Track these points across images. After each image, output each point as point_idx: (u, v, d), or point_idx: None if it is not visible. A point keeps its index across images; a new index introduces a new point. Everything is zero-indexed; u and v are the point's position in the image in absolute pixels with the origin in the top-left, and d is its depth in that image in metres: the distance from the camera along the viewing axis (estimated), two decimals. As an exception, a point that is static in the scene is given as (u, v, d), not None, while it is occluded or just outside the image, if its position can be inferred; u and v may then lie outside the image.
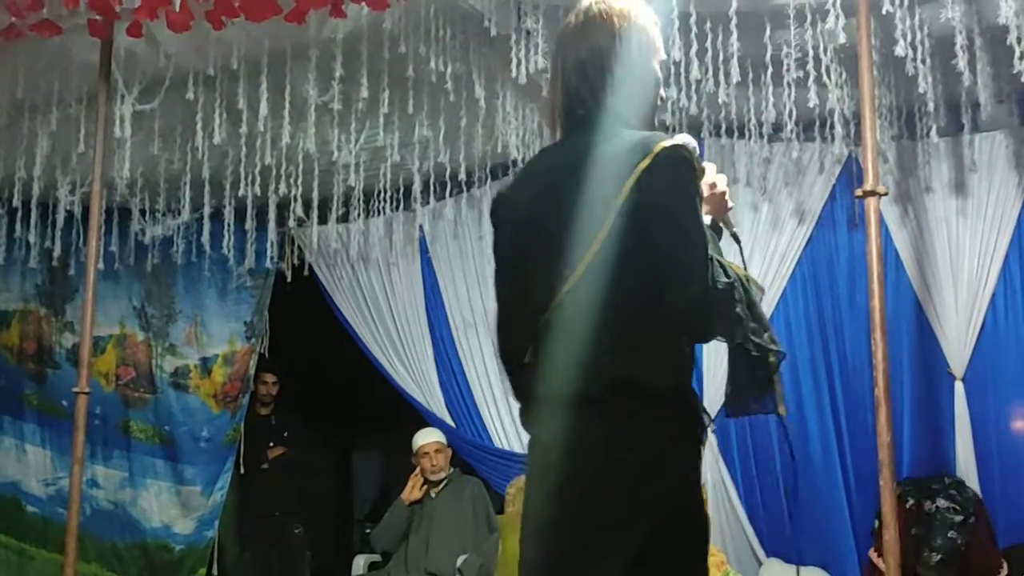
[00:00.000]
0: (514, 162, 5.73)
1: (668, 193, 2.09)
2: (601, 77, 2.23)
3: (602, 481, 2.07)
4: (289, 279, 6.69)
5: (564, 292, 2.13)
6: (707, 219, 2.31)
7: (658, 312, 2.10)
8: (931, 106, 4.71)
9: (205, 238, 5.95)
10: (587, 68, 2.24)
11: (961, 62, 3.94)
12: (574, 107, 2.26)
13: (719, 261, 2.19)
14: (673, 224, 2.08)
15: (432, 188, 6.24)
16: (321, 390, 7.39)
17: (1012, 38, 3.65)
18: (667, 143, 2.10)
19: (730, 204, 2.45)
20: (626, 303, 2.10)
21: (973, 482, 5.15)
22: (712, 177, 2.34)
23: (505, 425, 6.25)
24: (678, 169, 2.10)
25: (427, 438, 5.80)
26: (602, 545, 2.05)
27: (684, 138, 2.17)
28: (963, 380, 5.23)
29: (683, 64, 4.22)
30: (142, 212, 6.00)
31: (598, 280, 2.09)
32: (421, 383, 6.51)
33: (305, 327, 6.95)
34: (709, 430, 2.28)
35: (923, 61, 4.06)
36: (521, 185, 2.43)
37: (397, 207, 6.14)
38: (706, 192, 2.28)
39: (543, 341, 2.19)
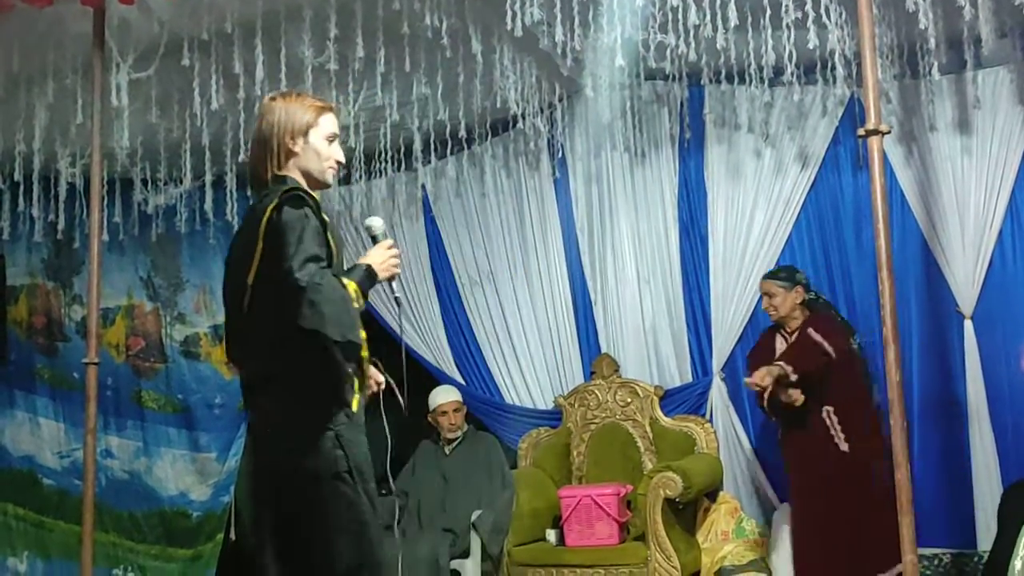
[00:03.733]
0: (513, 117, 5.71)
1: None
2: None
3: None
4: (294, 243, 6.67)
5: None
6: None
7: None
8: (932, 43, 4.67)
9: (208, 206, 5.94)
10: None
11: (962, -4, 3.89)
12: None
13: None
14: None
15: (433, 147, 6.21)
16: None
17: (1012, -31, 3.60)
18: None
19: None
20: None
21: (984, 420, 5.15)
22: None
23: (515, 381, 6.28)
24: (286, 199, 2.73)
25: (445, 397, 5.82)
26: None
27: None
28: (972, 319, 5.23)
29: (680, 9, 4.17)
30: (144, 182, 5.97)
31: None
32: (430, 342, 6.52)
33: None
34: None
35: (923, -3, 4.01)
36: None
37: (399, 167, 6.12)
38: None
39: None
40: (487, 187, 6.40)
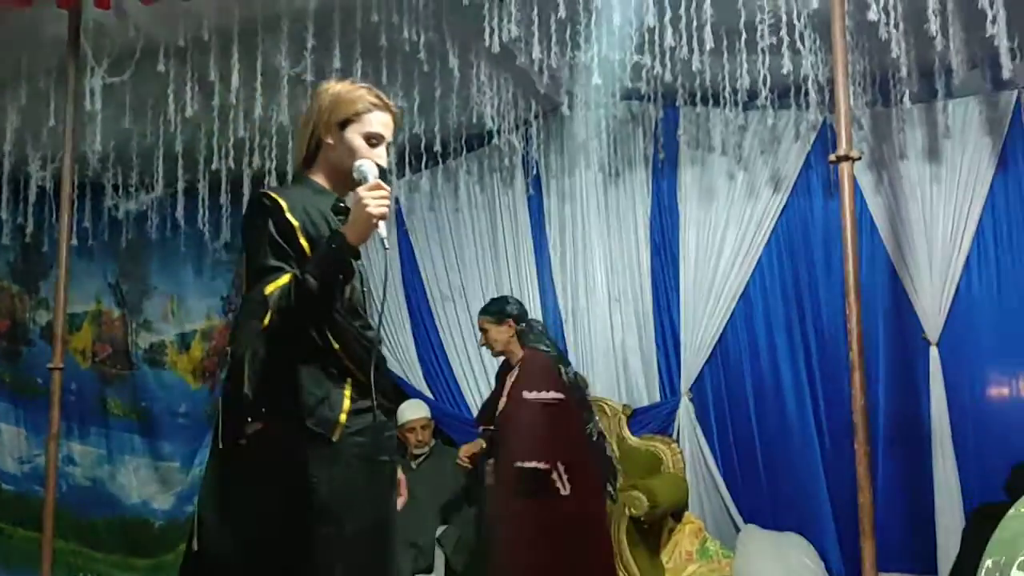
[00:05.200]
0: (489, 133, 5.71)
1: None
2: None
3: None
4: (265, 253, 6.64)
5: None
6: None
7: None
8: (904, 72, 4.73)
9: (179, 213, 5.91)
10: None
11: (933, 26, 3.93)
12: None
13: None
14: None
15: (408, 160, 6.20)
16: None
17: (983, 1, 3.65)
18: None
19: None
20: None
21: (947, 446, 5.20)
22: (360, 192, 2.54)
23: (485, 397, 6.25)
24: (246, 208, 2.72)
25: (414, 413, 5.79)
26: None
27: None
28: (937, 345, 5.27)
29: (657, 31, 4.20)
30: (115, 187, 5.95)
31: None
32: (399, 356, 6.50)
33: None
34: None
35: (895, 26, 4.05)
36: None
37: (373, 179, 6.10)
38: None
39: None
40: (461, 202, 6.40)
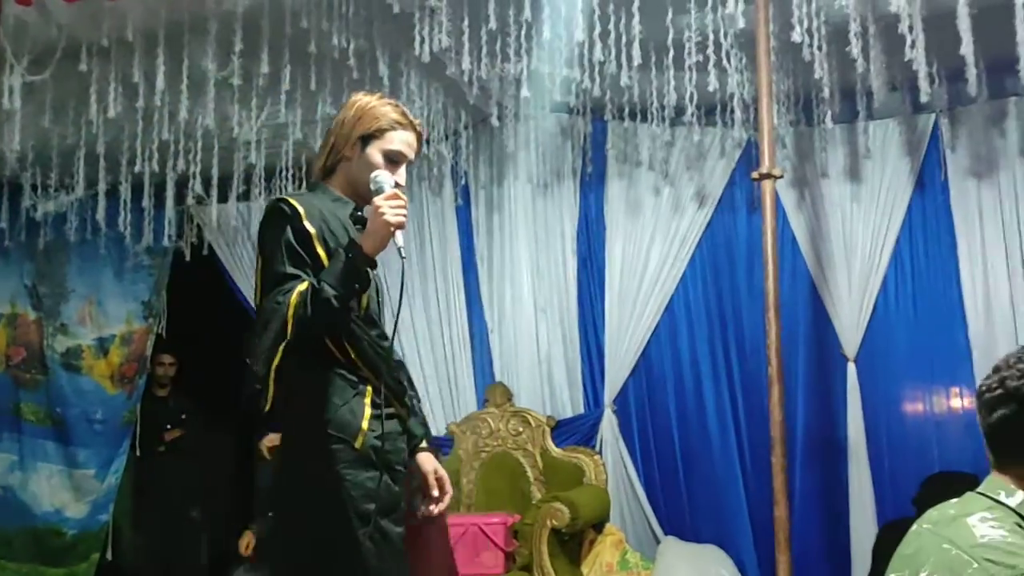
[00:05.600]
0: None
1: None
2: None
3: None
4: (188, 258, 6.56)
5: None
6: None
7: None
8: (827, 92, 4.83)
9: (100, 215, 5.77)
10: None
11: (855, 49, 4.03)
12: None
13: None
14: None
15: (336, 167, 6.15)
16: (222, 372, 7.23)
17: (903, 26, 3.74)
18: None
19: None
20: None
21: (863, 460, 5.30)
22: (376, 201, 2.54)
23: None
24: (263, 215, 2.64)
25: None
26: None
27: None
28: (855, 361, 5.38)
29: (586, 45, 4.24)
30: (33, 187, 5.82)
31: None
32: (322, 364, 6.43)
33: (205, 307, 6.82)
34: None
35: (819, 48, 4.14)
36: None
37: (299, 186, 6.06)
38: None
39: None
40: (389, 211, 6.36)
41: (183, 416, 6.73)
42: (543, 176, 5.99)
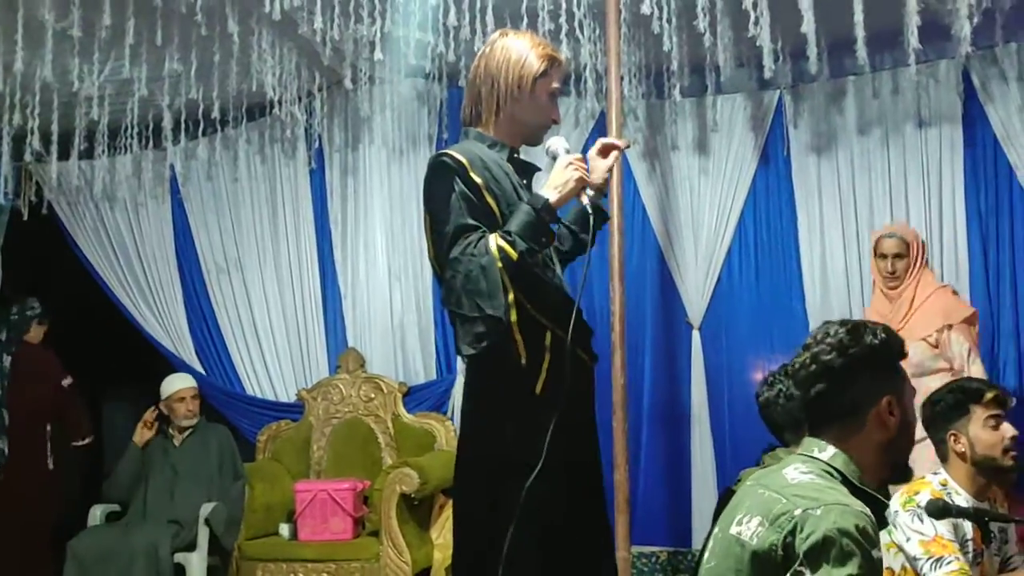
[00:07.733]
0: (271, 103, 5.58)
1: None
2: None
3: None
4: (26, 217, 6.29)
5: None
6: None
7: None
8: (676, 66, 4.92)
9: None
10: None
11: (702, 24, 4.12)
12: None
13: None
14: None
15: (184, 126, 5.98)
16: (67, 336, 6.98)
17: (748, 3, 3.84)
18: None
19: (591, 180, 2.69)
20: None
21: (705, 426, 5.47)
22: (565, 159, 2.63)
23: (258, 372, 6.15)
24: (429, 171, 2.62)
25: (183, 383, 5.59)
26: None
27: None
28: (699, 329, 5.54)
29: (441, 9, 4.21)
30: None
31: None
32: (169, 329, 6.28)
33: (46, 269, 6.56)
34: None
35: (668, 21, 4.22)
36: None
37: (146, 144, 5.90)
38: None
39: None
40: (240, 172, 6.22)
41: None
42: (399, 141, 5.94)
